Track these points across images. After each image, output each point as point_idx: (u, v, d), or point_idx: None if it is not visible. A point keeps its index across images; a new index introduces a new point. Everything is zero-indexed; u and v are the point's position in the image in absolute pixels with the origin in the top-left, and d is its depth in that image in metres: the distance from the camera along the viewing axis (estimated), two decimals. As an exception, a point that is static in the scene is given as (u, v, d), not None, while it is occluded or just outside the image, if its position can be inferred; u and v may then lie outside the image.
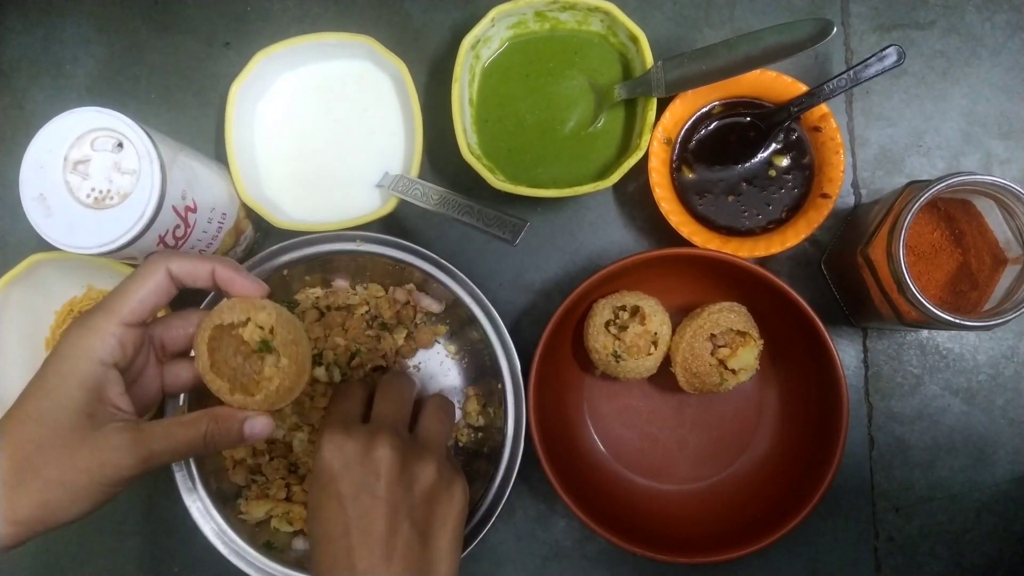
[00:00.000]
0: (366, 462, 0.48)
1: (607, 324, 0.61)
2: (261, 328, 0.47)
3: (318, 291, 0.65)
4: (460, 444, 0.66)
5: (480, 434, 0.65)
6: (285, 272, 0.62)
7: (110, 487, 0.44)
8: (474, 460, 0.65)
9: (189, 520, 0.60)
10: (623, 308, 0.62)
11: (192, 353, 0.50)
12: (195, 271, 0.48)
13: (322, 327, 0.64)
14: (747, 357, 0.60)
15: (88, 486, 0.43)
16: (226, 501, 0.61)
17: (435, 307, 0.65)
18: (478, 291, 0.61)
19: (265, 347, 0.47)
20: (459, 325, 0.65)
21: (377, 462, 0.48)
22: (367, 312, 0.65)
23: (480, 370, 0.65)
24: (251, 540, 0.60)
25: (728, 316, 0.60)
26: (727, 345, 0.61)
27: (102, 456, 0.43)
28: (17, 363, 0.64)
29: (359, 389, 0.56)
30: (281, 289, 0.64)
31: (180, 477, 0.60)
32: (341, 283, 0.66)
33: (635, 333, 0.61)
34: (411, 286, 0.65)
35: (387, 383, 0.56)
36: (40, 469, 0.42)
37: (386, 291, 0.65)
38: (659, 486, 0.64)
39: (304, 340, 0.49)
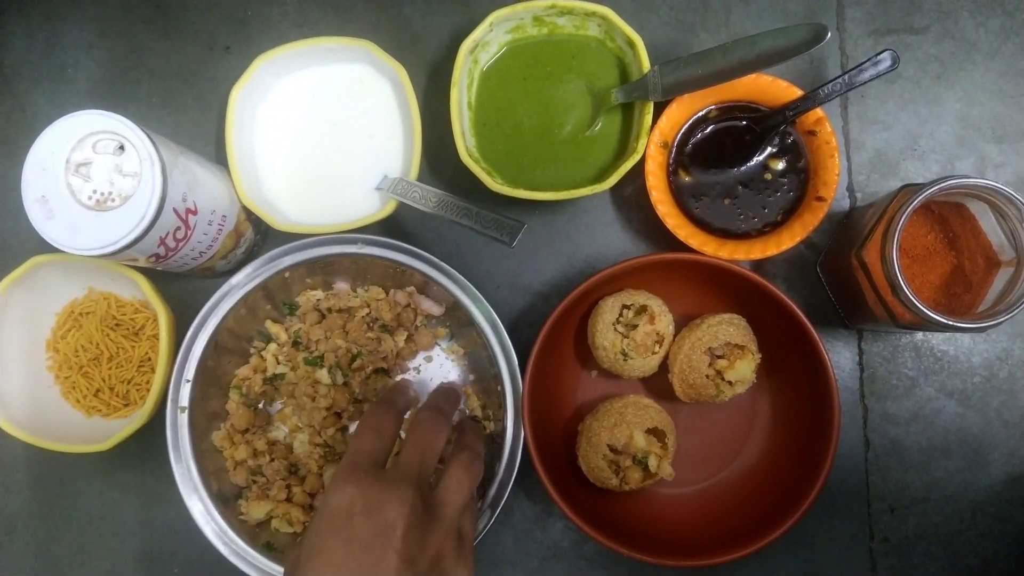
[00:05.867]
0: (385, 511, 0.46)
1: (615, 322, 0.62)
2: None
3: (319, 293, 0.66)
4: None
5: (479, 435, 0.66)
6: (287, 274, 0.62)
7: None
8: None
9: (189, 521, 0.60)
10: (629, 306, 0.62)
11: None
12: None
13: (323, 329, 0.64)
14: (744, 370, 0.61)
15: None
16: (227, 502, 0.62)
17: (435, 310, 0.66)
18: (478, 294, 0.61)
19: None
20: (459, 327, 0.66)
21: (397, 514, 0.46)
22: (368, 314, 0.65)
23: (480, 372, 0.65)
24: (251, 541, 0.60)
25: (727, 330, 0.61)
26: (725, 356, 0.61)
27: None
28: (18, 364, 0.65)
29: (391, 423, 0.54)
30: (282, 291, 0.64)
31: (180, 478, 0.60)
32: (342, 285, 0.66)
33: (645, 332, 0.61)
34: (412, 289, 0.65)
35: (421, 425, 0.54)
36: None
37: (387, 293, 0.66)
38: (652, 489, 0.64)
39: None
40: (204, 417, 0.63)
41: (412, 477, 0.49)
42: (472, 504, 0.55)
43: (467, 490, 0.53)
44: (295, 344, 0.65)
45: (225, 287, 0.61)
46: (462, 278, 0.61)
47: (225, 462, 0.64)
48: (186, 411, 0.61)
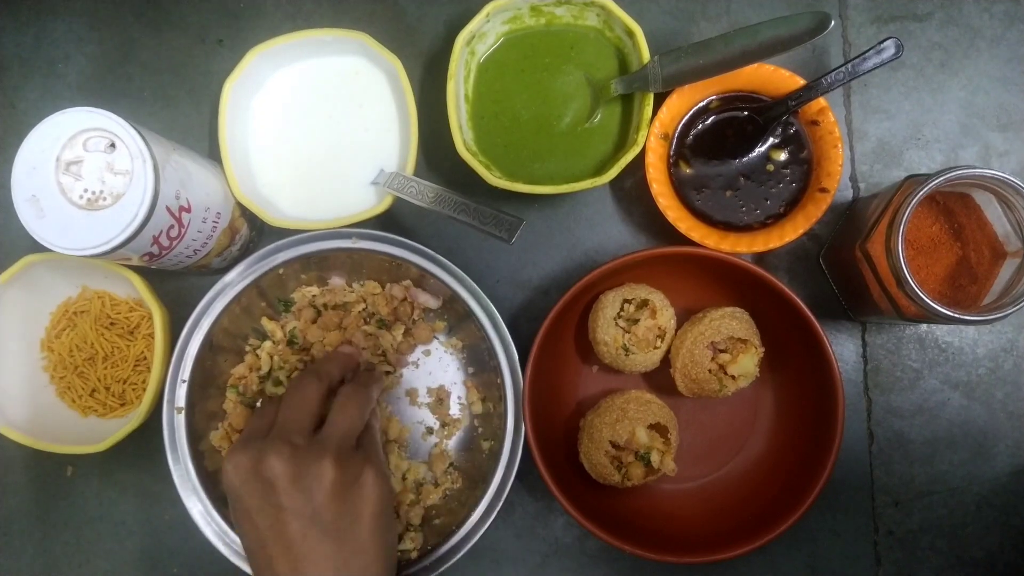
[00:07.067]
0: (259, 474, 0.49)
1: (616, 317, 0.61)
2: None
3: (314, 289, 0.65)
4: (460, 436, 0.66)
5: (480, 428, 0.65)
6: (281, 271, 0.62)
7: None
8: (474, 457, 0.64)
9: (188, 520, 0.60)
10: (630, 301, 0.61)
11: None
12: None
13: (320, 329, 0.64)
14: (747, 364, 0.60)
15: None
16: (226, 503, 0.61)
17: (432, 303, 0.65)
18: (475, 286, 0.60)
19: None
20: (457, 320, 0.65)
21: (269, 473, 0.49)
22: (364, 309, 0.65)
23: (479, 366, 0.65)
24: None
25: (730, 323, 0.60)
26: (727, 350, 0.60)
27: None
28: (13, 365, 0.64)
29: (270, 406, 0.56)
30: (277, 288, 0.64)
31: (179, 479, 0.59)
32: (337, 281, 0.65)
33: (646, 327, 0.60)
34: (408, 282, 0.65)
35: (289, 388, 0.56)
36: None
37: (383, 288, 0.65)
38: (655, 485, 0.64)
39: None
40: (202, 417, 0.62)
41: (281, 433, 0.51)
42: (372, 421, 0.58)
43: (353, 417, 0.54)
44: (290, 343, 0.64)
45: (219, 285, 0.61)
46: (458, 270, 0.61)
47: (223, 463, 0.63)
48: (183, 412, 0.60)
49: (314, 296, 0.65)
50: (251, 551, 0.50)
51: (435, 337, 0.67)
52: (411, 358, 0.67)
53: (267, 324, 0.65)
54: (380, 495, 0.51)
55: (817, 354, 0.59)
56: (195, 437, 0.61)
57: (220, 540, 0.59)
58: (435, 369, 0.67)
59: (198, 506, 0.60)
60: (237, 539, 0.59)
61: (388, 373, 0.66)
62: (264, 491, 0.49)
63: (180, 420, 0.60)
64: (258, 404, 0.65)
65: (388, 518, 0.52)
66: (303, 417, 0.53)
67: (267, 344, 0.65)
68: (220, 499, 0.60)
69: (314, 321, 0.64)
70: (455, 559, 0.59)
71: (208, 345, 0.61)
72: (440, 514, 0.63)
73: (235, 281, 0.61)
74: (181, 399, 0.60)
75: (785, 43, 0.57)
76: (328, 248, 0.61)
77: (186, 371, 0.60)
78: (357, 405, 0.55)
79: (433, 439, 0.66)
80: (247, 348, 0.65)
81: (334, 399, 0.55)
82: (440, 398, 0.66)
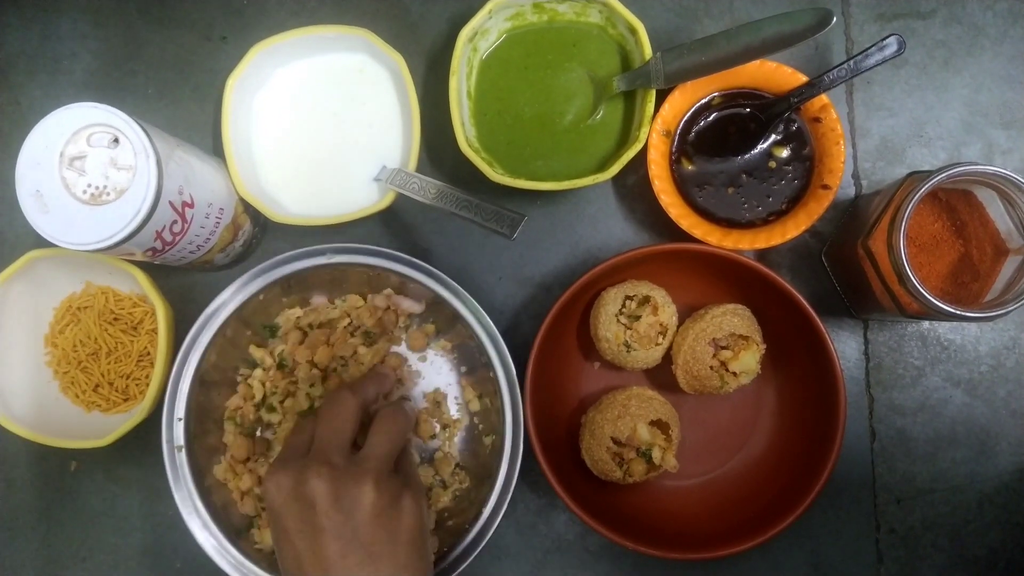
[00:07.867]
0: (300, 496, 0.49)
1: (617, 313, 0.61)
2: None
3: (297, 311, 0.64)
4: (462, 436, 0.66)
5: (480, 425, 0.65)
6: (261, 297, 0.61)
7: None
8: (478, 454, 0.64)
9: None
10: (632, 297, 0.62)
11: None
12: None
13: (308, 349, 0.63)
14: (749, 361, 0.60)
15: None
16: (239, 534, 0.60)
17: (416, 308, 0.65)
18: (455, 284, 0.60)
19: None
20: (445, 322, 0.64)
21: (310, 494, 0.48)
22: (349, 324, 0.64)
23: (471, 362, 0.65)
24: (271, 569, 0.59)
25: (731, 320, 0.60)
26: (729, 347, 0.60)
27: None
28: (17, 360, 0.64)
29: (307, 422, 0.56)
30: (260, 314, 0.63)
31: (187, 515, 0.59)
32: (319, 299, 0.65)
33: (648, 323, 0.60)
34: (389, 291, 0.64)
35: (325, 407, 0.55)
36: None
37: (365, 300, 0.65)
38: (656, 482, 0.64)
39: None
40: (203, 453, 0.61)
41: (321, 452, 0.51)
42: (408, 446, 0.61)
43: (395, 437, 0.54)
44: (280, 367, 0.64)
45: (201, 319, 0.60)
46: (437, 271, 0.60)
47: (231, 493, 0.62)
48: (183, 449, 0.59)
49: (298, 317, 0.64)
50: (288, 572, 0.49)
51: (428, 343, 0.66)
52: (408, 364, 0.66)
53: (255, 352, 0.64)
54: (418, 517, 0.51)
55: (819, 351, 0.59)
56: (198, 473, 0.60)
57: (239, 573, 0.58)
58: (428, 373, 0.66)
59: (212, 541, 0.58)
60: (256, 568, 0.58)
61: (404, 399, 0.65)
62: (304, 512, 0.48)
63: (182, 458, 0.59)
64: (258, 433, 0.65)
65: (425, 539, 0.52)
66: (342, 436, 0.53)
67: (258, 372, 0.64)
68: (232, 531, 0.60)
69: (302, 342, 0.64)
70: (471, 557, 0.59)
71: (199, 381, 0.60)
72: (452, 515, 0.63)
73: (217, 311, 0.60)
74: (180, 437, 0.59)
75: (787, 40, 0.57)
76: (304, 267, 0.60)
77: (180, 409, 0.59)
78: (397, 426, 0.55)
79: (436, 442, 0.65)
80: (238, 378, 0.64)
81: (373, 420, 0.55)
82: (437, 401, 0.65)
